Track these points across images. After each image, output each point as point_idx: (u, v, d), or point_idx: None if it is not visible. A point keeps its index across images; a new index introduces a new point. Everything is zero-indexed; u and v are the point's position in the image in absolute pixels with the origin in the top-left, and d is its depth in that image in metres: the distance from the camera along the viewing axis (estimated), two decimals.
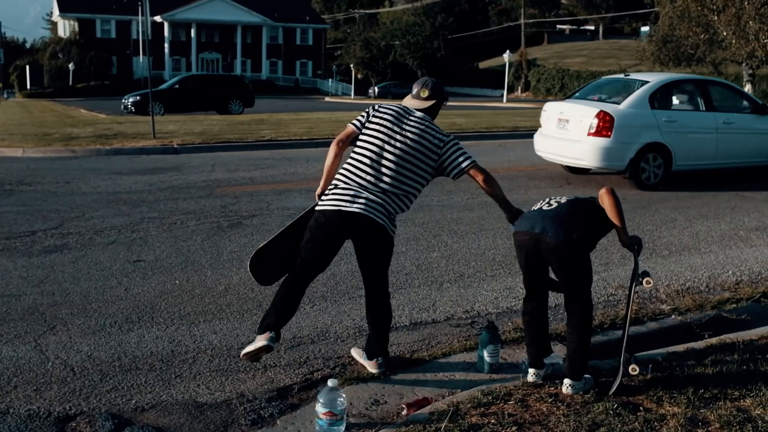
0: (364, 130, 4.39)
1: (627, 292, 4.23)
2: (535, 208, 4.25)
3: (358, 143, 4.38)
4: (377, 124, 4.37)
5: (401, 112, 4.43)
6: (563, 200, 4.20)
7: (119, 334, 5.05)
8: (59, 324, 5.20)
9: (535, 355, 4.30)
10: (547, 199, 4.28)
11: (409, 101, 4.57)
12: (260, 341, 4.03)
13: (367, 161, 4.30)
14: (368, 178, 4.28)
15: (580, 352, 4.11)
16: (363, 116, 4.45)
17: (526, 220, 4.19)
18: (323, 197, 4.35)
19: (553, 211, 4.11)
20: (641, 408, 3.86)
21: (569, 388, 4.05)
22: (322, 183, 4.46)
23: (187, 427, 3.82)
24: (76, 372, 4.43)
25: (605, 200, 4.12)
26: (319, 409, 3.63)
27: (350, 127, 4.44)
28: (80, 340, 4.93)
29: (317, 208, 4.33)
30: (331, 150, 4.44)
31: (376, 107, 4.52)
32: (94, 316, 5.37)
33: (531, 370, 4.29)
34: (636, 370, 4.08)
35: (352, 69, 71.64)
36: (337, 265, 6.49)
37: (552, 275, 4.33)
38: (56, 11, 77.93)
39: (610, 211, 4.10)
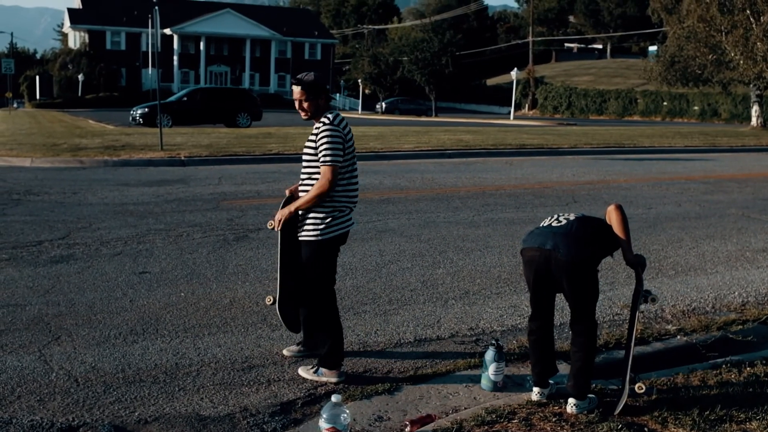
0: (346, 155, 4.47)
1: (631, 312, 4.22)
2: (545, 224, 4.25)
3: (348, 167, 4.52)
4: (350, 142, 4.55)
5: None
6: (572, 217, 4.20)
7: (123, 345, 5.05)
8: (64, 335, 5.21)
9: (540, 375, 4.29)
10: (556, 216, 4.28)
11: None
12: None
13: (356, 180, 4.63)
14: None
15: (584, 371, 4.10)
16: (340, 147, 4.42)
17: (536, 236, 4.18)
18: (334, 224, 4.49)
19: (563, 228, 4.11)
20: (646, 429, 3.84)
21: (574, 407, 4.04)
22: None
23: None
24: (80, 383, 4.43)
25: (613, 216, 4.13)
26: (323, 424, 3.62)
27: (336, 168, 4.40)
28: (84, 351, 4.93)
29: (338, 233, 4.51)
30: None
31: (342, 127, 4.49)
32: (98, 327, 5.38)
33: (535, 389, 4.28)
34: (642, 389, 4.06)
35: (360, 84, 71.84)
36: (342, 280, 6.49)
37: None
38: (67, 23, 78.45)
39: (618, 227, 4.11)
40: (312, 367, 4.63)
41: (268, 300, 5.02)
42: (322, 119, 4.48)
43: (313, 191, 4.41)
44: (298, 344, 5.01)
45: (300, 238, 4.57)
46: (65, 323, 5.44)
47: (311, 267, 4.54)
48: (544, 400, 4.22)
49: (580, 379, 4.08)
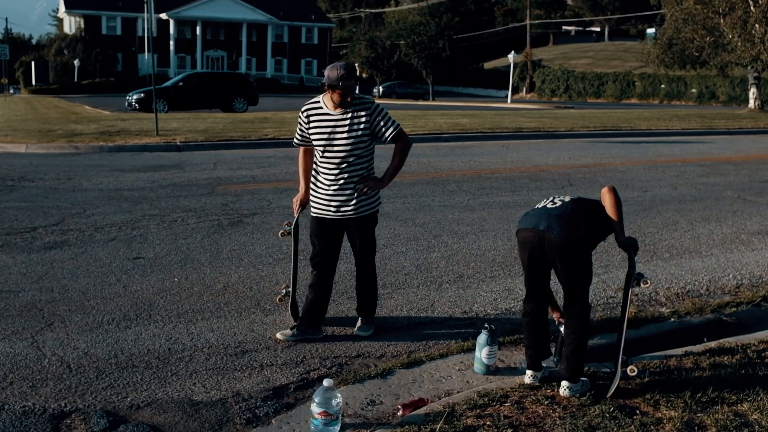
0: None
1: (623, 295, 4.22)
2: (540, 206, 4.24)
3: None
4: None
5: None
6: (567, 199, 4.19)
7: (117, 331, 5.05)
8: (57, 321, 5.20)
9: (534, 357, 4.29)
10: (551, 198, 4.27)
11: None
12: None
13: None
14: None
15: (577, 353, 4.09)
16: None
17: (530, 217, 4.18)
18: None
19: (558, 209, 4.10)
20: (638, 411, 3.84)
21: (566, 390, 4.04)
22: None
23: (182, 426, 3.81)
24: (73, 369, 4.43)
25: (606, 198, 4.12)
26: (315, 408, 3.62)
27: None
28: (77, 337, 4.92)
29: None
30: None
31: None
32: (92, 313, 5.37)
33: (528, 372, 4.28)
34: (634, 371, 4.06)
35: (357, 68, 71.63)
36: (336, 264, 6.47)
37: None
38: (62, 8, 78.05)
39: (611, 209, 4.10)
40: (369, 327, 5.14)
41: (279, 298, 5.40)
42: (361, 100, 4.78)
43: (401, 156, 4.91)
44: (291, 329, 5.01)
45: (362, 215, 4.88)
46: (58, 309, 5.43)
47: (368, 239, 5.00)
48: (537, 383, 4.22)
49: (573, 362, 4.08)
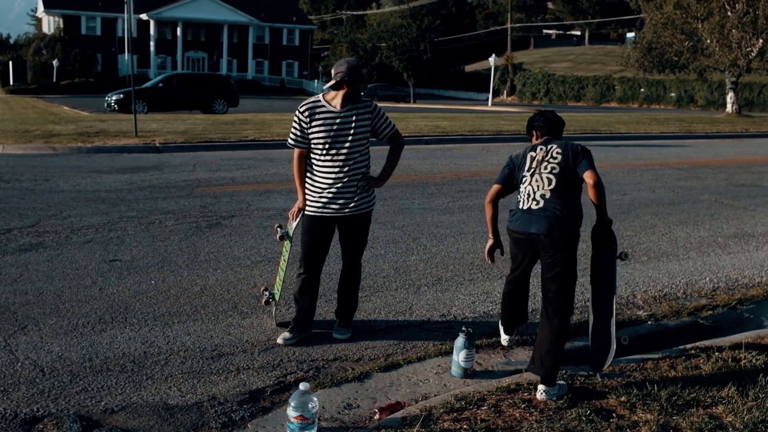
0: None
1: (609, 271, 4.33)
2: (525, 207, 4.28)
3: None
4: None
5: None
6: (548, 194, 4.23)
7: (92, 334, 4.99)
8: (31, 323, 5.14)
9: (509, 322, 4.69)
10: (532, 195, 4.28)
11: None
12: None
13: None
14: None
15: (553, 355, 4.10)
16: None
17: (521, 221, 4.29)
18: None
19: (542, 210, 4.21)
20: (614, 414, 3.85)
21: (543, 394, 4.04)
22: None
23: (156, 430, 3.78)
24: (46, 373, 4.37)
25: (590, 193, 4.28)
26: (291, 412, 3.60)
27: None
28: (51, 340, 4.87)
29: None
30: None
31: None
32: (66, 316, 5.31)
33: (505, 336, 4.76)
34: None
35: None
36: None
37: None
38: (41, 7, 77.32)
39: (595, 199, 4.28)
40: (348, 330, 5.15)
41: (264, 289, 5.45)
42: (364, 101, 4.87)
43: (396, 156, 5.11)
44: (290, 331, 5.00)
45: (363, 212, 4.94)
46: (32, 312, 5.37)
47: (365, 236, 5.08)
48: (513, 345, 4.61)
49: (548, 364, 4.08)
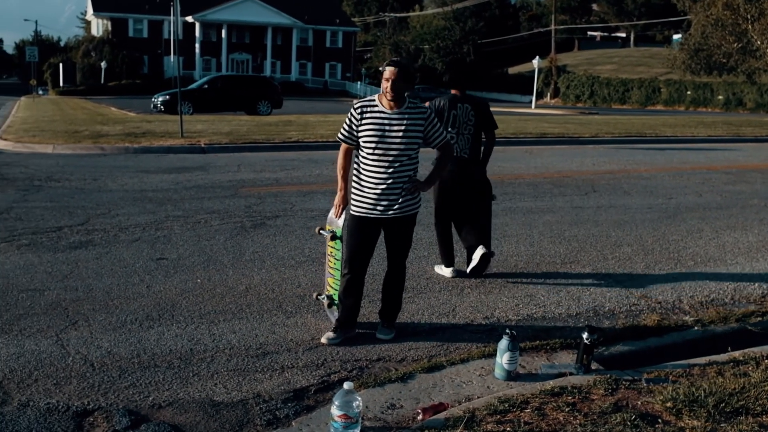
0: None
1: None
2: None
3: None
4: None
5: None
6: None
7: (139, 331, 5.09)
8: (81, 319, 5.25)
9: (449, 257, 6.57)
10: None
11: None
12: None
13: None
14: None
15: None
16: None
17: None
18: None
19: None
20: (660, 420, 3.81)
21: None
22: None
23: (202, 426, 3.83)
24: (96, 367, 4.47)
25: None
26: (335, 411, 3.63)
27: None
28: (101, 336, 4.97)
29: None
30: None
31: None
32: (115, 313, 5.42)
33: (448, 270, 6.58)
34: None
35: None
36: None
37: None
38: (90, 10, 78.89)
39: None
40: (391, 331, 5.16)
41: (316, 295, 5.42)
42: (413, 102, 4.91)
43: (444, 163, 5.32)
44: (334, 331, 5.04)
45: (407, 214, 4.99)
46: (83, 308, 5.49)
47: (409, 238, 5.13)
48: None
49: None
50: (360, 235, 4.95)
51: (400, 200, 4.88)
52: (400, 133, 4.78)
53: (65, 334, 4.98)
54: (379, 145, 4.77)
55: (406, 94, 4.86)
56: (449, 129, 6.35)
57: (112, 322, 5.22)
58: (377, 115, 4.79)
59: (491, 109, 6.83)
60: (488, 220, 6.66)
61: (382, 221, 4.93)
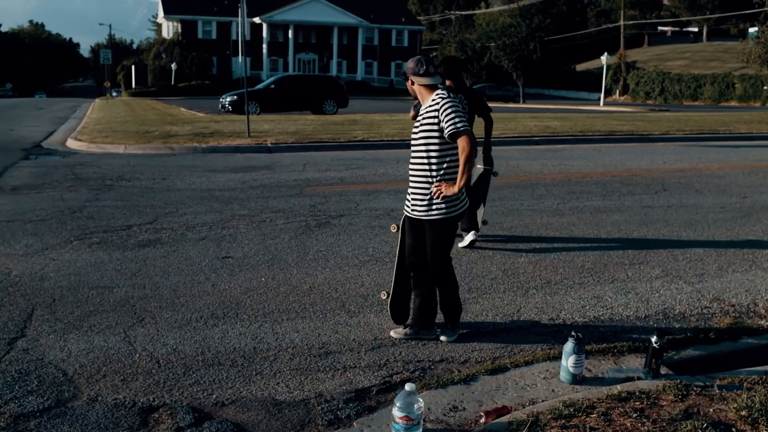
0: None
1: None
2: None
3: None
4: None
5: None
6: None
7: (204, 329, 5.15)
8: (148, 317, 5.34)
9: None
10: None
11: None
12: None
13: None
14: None
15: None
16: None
17: None
18: (457, 201, 4.80)
19: None
20: (734, 429, 3.66)
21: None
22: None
23: (264, 425, 3.85)
24: (161, 364, 4.53)
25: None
26: (396, 413, 3.59)
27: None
28: (167, 333, 5.04)
29: (462, 210, 4.83)
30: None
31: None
32: (181, 311, 5.49)
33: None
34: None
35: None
36: None
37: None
38: (161, 13, 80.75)
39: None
40: (454, 332, 5.05)
41: (383, 295, 5.40)
42: (434, 99, 4.74)
43: (462, 159, 4.60)
44: (405, 327, 5.06)
45: (418, 216, 4.81)
46: (150, 306, 5.58)
47: (432, 243, 4.81)
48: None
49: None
50: (407, 232, 4.99)
51: (426, 202, 4.77)
52: (417, 132, 4.78)
53: (132, 330, 5.07)
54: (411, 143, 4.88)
55: (439, 88, 4.77)
56: None
57: (177, 320, 5.29)
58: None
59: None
60: (484, 194, 7.65)
61: (412, 220, 4.90)
